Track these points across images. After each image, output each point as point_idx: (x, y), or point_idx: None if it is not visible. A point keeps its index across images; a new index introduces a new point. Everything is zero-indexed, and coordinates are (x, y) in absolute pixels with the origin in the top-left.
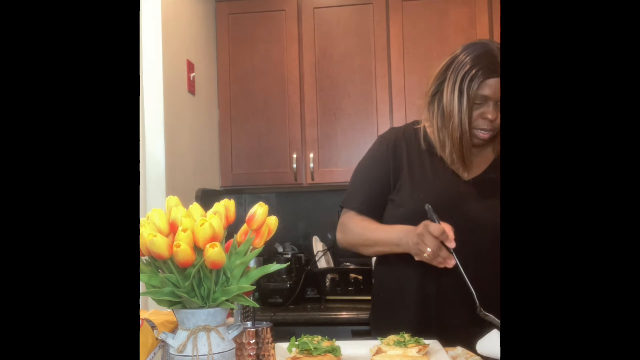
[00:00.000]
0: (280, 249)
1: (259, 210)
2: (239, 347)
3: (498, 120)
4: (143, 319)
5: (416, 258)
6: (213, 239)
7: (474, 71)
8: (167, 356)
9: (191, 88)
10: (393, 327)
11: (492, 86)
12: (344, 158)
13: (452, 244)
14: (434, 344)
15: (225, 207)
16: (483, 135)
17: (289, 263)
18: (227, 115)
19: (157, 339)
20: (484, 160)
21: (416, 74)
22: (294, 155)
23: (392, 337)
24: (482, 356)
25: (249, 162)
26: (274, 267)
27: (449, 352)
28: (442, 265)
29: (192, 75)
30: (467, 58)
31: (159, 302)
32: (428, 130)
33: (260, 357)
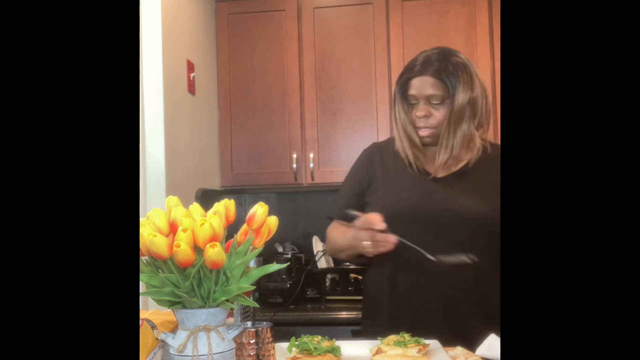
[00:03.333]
0: (280, 249)
1: (259, 210)
2: (239, 347)
3: (433, 118)
4: (143, 319)
5: (368, 255)
6: (213, 239)
7: (401, 74)
8: (167, 356)
9: (191, 88)
10: (374, 326)
11: (415, 85)
12: (344, 158)
13: (381, 226)
14: (434, 344)
15: (225, 207)
16: (422, 132)
17: (289, 263)
18: (227, 115)
19: (157, 339)
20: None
21: None
22: (294, 155)
23: (392, 337)
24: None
25: (249, 162)
26: (274, 267)
27: (448, 352)
28: (386, 248)
29: (192, 75)
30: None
31: (159, 302)
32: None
33: (260, 357)
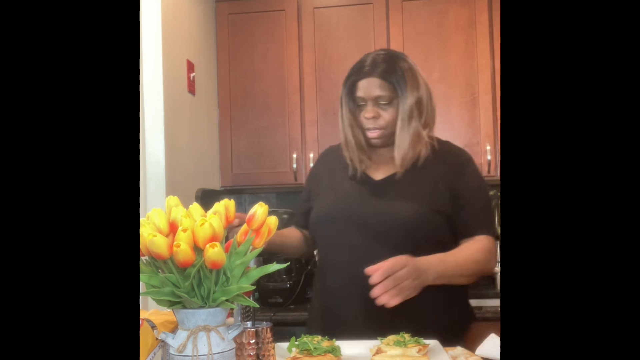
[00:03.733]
0: None
1: (259, 210)
2: (239, 347)
3: (382, 119)
4: (143, 319)
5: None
6: (213, 239)
7: (346, 78)
8: (167, 356)
9: (191, 88)
10: (311, 326)
11: (362, 87)
12: None
13: (234, 221)
14: (434, 344)
15: (225, 207)
16: (371, 134)
17: (289, 263)
18: (227, 115)
19: (157, 339)
20: (392, 161)
21: None
22: (294, 155)
23: (392, 337)
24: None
25: (249, 162)
26: (274, 267)
27: (448, 352)
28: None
29: (192, 75)
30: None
31: (159, 302)
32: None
33: (260, 357)
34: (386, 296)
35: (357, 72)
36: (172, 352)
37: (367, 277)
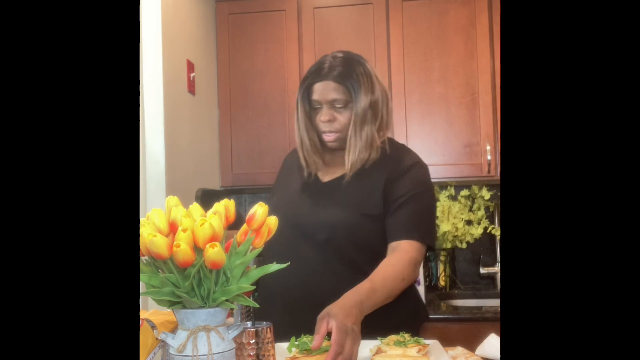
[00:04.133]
0: None
1: (259, 210)
2: (239, 347)
3: (337, 122)
4: (143, 319)
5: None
6: (213, 239)
7: (303, 81)
8: (167, 356)
9: (191, 88)
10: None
11: (317, 90)
12: None
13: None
14: (434, 344)
15: (225, 207)
16: (327, 137)
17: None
18: (227, 115)
19: (157, 339)
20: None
21: (416, 74)
22: None
23: (392, 337)
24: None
25: (249, 162)
26: (274, 267)
27: (448, 352)
28: None
29: (192, 75)
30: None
31: (159, 302)
32: None
33: (260, 357)
34: None
35: (313, 75)
36: (172, 352)
37: (313, 284)
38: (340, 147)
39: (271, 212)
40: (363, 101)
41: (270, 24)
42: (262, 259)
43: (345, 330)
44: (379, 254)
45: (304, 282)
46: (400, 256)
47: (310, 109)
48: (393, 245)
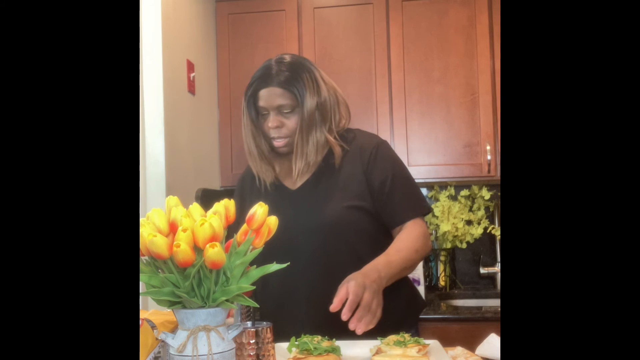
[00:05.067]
0: None
1: (259, 210)
2: (239, 347)
3: (285, 127)
4: (143, 319)
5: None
6: (213, 239)
7: (247, 88)
8: (167, 356)
9: (191, 88)
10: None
11: (263, 96)
12: None
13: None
14: (434, 344)
15: (225, 207)
16: (277, 143)
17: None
18: (227, 115)
19: (157, 339)
20: (309, 168)
21: (416, 74)
22: None
23: (392, 337)
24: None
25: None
26: (274, 267)
27: (448, 352)
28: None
29: (192, 75)
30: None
31: (159, 302)
32: None
33: (260, 357)
34: (363, 325)
35: (258, 81)
36: (172, 352)
37: (319, 286)
38: (290, 151)
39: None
40: (309, 105)
41: (270, 24)
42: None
43: (364, 285)
44: (377, 242)
45: (319, 287)
46: (409, 232)
47: (258, 115)
48: (397, 230)
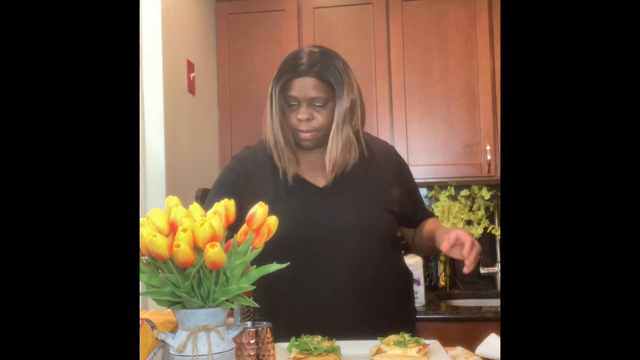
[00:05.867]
0: None
1: (259, 210)
2: (239, 347)
3: (315, 121)
4: (143, 319)
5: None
6: (213, 239)
7: (278, 76)
8: (167, 356)
9: (191, 88)
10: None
11: (297, 86)
12: None
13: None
14: (434, 344)
15: (225, 207)
16: (304, 136)
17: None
18: (227, 115)
19: (157, 339)
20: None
21: (416, 74)
22: None
23: (392, 337)
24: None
25: None
26: (274, 267)
27: (449, 352)
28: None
29: (192, 75)
30: (279, 65)
31: (159, 302)
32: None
33: (260, 357)
34: (473, 265)
35: (292, 70)
36: (172, 352)
37: (347, 284)
38: (314, 146)
39: (287, 226)
40: (345, 101)
41: (270, 24)
42: (291, 274)
43: (468, 232)
44: (395, 246)
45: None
46: (434, 219)
47: (285, 105)
48: (413, 230)
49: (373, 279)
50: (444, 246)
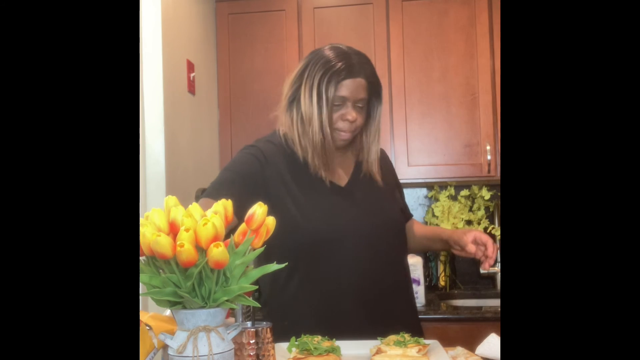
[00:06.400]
0: None
1: (258, 210)
2: (239, 347)
3: (358, 121)
4: (141, 322)
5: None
6: (215, 238)
7: (330, 73)
8: (167, 357)
9: (191, 88)
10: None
11: (348, 87)
12: None
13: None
14: (434, 344)
15: (224, 207)
16: (345, 136)
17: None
18: (227, 115)
19: (154, 340)
20: (346, 165)
21: (416, 74)
22: None
23: (392, 337)
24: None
25: None
26: (274, 267)
27: (448, 352)
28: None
29: (192, 75)
30: (322, 62)
31: (159, 302)
32: (289, 139)
33: (260, 357)
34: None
35: (347, 70)
36: (172, 353)
37: (367, 280)
38: (345, 147)
39: (315, 224)
40: (381, 102)
41: (270, 24)
42: (317, 272)
43: (482, 232)
44: (405, 246)
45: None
46: (419, 224)
47: (328, 105)
48: (409, 224)
49: (394, 278)
50: (470, 248)
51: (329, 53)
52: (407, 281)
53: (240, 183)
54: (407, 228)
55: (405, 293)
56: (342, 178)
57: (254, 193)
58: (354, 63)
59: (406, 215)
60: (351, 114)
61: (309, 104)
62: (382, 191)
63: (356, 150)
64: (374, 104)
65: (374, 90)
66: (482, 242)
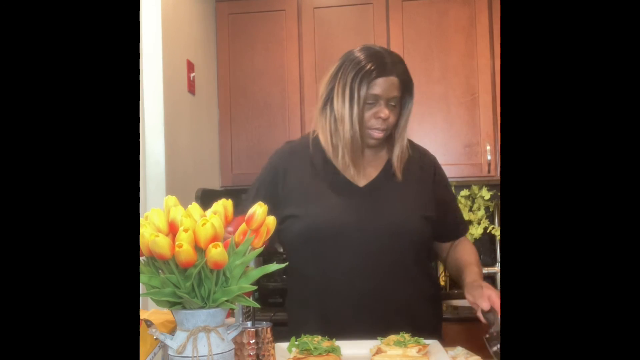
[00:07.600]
0: (280, 249)
1: (259, 210)
2: (239, 347)
3: (391, 119)
4: (141, 319)
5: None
6: (215, 239)
7: (362, 72)
8: (167, 357)
9: (191, 88)
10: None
11: (381, 85)
12: None
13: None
14: (434, 344)
15: (224, 207)
16: (378, 134)
17: (287, 263)
18: (227, 115)
19: (155, 338)
20: (377, 164)
21: (416, 74)
22: None
23: (392, 337)
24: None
25: (249, 162)
26: (274, 267)
27: (448, 352)
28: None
29: (192, 75)
30: (354, 62)
31: (159, 302)
32: (321, 138)
33: (260, 357)
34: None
35: (379, 69)
36: (172, 354)
37: (379, 284)
38: (377, 145)
39: (323, 220)
40: (412, 101)
41: (270, 24)
42: (319, 270)
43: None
44: (427, 253)
45: (373, 288)
46: (467, 247)
47: (361, 103)
48: (449, 244)
49: (405, 282)
50: (485, 306)
51: (361, 53)
52: (430, 290)
53: (263, 193)
54: (453, 249)
55: (425, 301)
56: (367, 177)
57: (285, 197)
58: (386, 62)
59: (448, 230)
60: (384, 111)
61: (341, 103)
62: (405, 195)
63: (389, 148)
64: (406, 101)
65: (406, 89)
66: (494, 305)
